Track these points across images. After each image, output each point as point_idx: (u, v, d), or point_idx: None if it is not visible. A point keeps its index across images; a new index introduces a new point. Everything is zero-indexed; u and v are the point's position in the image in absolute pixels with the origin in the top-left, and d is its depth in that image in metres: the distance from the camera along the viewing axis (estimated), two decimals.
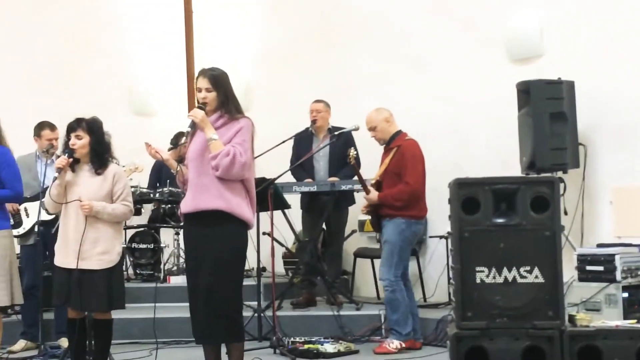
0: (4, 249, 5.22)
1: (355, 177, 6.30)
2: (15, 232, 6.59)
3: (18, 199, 5.44)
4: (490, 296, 3.33)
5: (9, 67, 8.33)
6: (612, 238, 6.23)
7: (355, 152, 6.09)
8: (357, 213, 7.01)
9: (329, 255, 7.31)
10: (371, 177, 6.19)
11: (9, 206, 6.44)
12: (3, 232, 5.26)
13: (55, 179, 5.01)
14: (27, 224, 6.55)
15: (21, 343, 6.47)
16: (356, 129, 6.79)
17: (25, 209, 6.49)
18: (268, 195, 6.31)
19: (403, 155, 6.00)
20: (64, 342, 6.10)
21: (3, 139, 5.34)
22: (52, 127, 6.61)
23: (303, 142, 7.30)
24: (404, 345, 5.98)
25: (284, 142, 6.99)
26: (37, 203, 6.28)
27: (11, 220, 6.53)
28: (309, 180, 7.17)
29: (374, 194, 6.01)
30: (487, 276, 3.33)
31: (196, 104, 4.71)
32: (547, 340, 3.27)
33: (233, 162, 4.48)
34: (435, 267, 7.38)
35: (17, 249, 6.70)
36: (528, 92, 6.39)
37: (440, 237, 7.19)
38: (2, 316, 5.49)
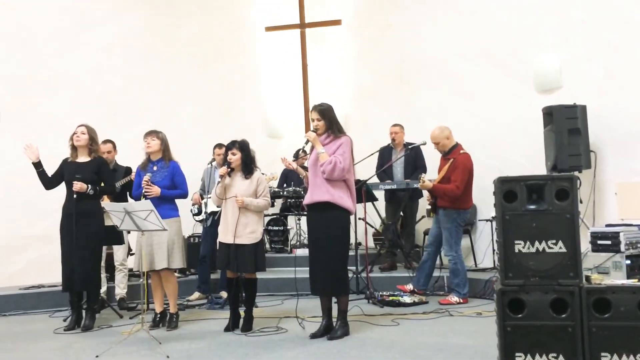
0: (178, 230, 5.37)
1: None
2: (197, 217, 6.87)
3: (185, 197, 5.48)
4: (525, 262, 3.24)
5: (184, 108, 8.57)
6: (617, 220, 5.99)
7: (423, 176, 6.05)
8: (425, 204, 6.93)
9: (406, 234, 7.28)
10: (432, 178, 6.12)
11: (196, 200, 6.72)
12: (177, 218, 5.39)
13: (218, 182, 5.20)
14: (204, 213, 6.75)
15: (196, 294, 6.68)
16: (424, 144, 6.74)
17: (205, 203, 6.64)
18: (362, 192, 6.36)
19: (457, 167, 5.91)
20: (224, 294, 6.27)
21: (172, 155, 5.46)
22: (221, 146, 6.72)
23: (385, 154, 7.30)
24: (461, 301, 5.94)
25: (371, 154, 7.00)
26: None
27: (196, 210, 6.79)
28: (389, 180, 7.17)
29: (429, 184, 5.91)
30: (523, 247, 3.25)
31: (311, 128, 4.82)
32: (569, 294, 3.16)
33: (334, 167, 4.55)
34: (483, 241, 7.22)
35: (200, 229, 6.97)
36: (551, 114, 6.22)
37: (487, 220, 7.07)
38: (177, 276, 5.65)
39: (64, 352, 4.61)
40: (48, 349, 4.70)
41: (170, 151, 5.47)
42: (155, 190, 5.22)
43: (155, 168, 5.37)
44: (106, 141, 6.38)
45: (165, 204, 5.30)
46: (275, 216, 8.05)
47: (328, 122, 4.73)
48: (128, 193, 6.18)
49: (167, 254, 5.20)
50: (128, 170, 6.28)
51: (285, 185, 8.06)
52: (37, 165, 5.39)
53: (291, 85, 9.27)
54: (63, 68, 7.77)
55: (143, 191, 5.22)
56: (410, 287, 6.18)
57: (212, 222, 6.43)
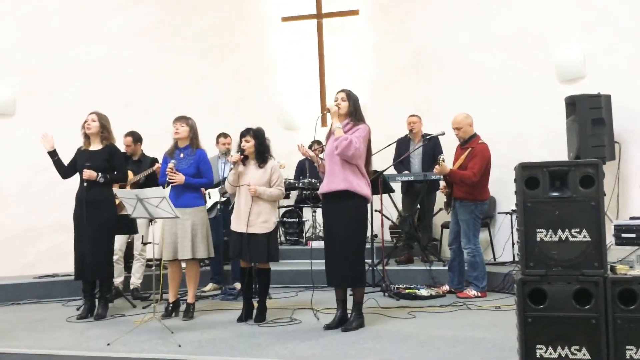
0: (203, 219, 5.32)
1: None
2: None
3: (211, 185, 5.51)
4: (547, 250, 3.13)
5: (199, 100, 8.49)
6: None
7: (443, 157, 5.94)
8: (443, 196, 6.84)
9: (423, 226, 7.17)
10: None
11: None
12: (202, 207, 5.37)
13: (231, 169, 5.14)
14: (209, 203, 6.61)
15: (210, 285, 6.68)
16: (442, 134, 6.62)
17: (208, 193, 6.59)
18: (378, 183, 6.28)
19: (475, 155, 5.81)
20: (238, 285, 6.24)
21: (199, 143, 5.43)
22: (225, 136, 6.78)
23: (403, 145, 7.21)
24: (479, 294, 5.82)
25: (389, 145, 6.89)
26: (217, 189, 6.46)
27: None
28: (406, 172, 7.07)
29: (446, 167, 5.80)
30: (546, 235, 3.14)
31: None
32: (594, 284, 3.05)
33: (350, 144, 4.51)
34: (502, 235, 7.08)
35: None
36: (574, 104, 6.07)
37: (506, 213, 6.93)
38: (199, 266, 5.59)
39: (76, 340, 4.59)
40: (60, 337, 4.68)
41: (198, 139, 5.40)
42: (179, 178, 5.17)
43: (182, 155, 5.32)
44: (127, 134, 6.41)
45: (190, 193, 5.26)
46: (290, 208, 7.99)
47: (352, 106, 4.70)
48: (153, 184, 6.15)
49: (191, 243, 5.17)
50: (154, 161, 6.25)
51: (300, 177, 7.99)
52: (52, 154, 5.43)
53: (307, 76, 9.19)
54: (76, 59, 7.77)
55: (167, 178, 5.18)
56: (446, 287, 6.06)
57: (220, 211, 6.37)
